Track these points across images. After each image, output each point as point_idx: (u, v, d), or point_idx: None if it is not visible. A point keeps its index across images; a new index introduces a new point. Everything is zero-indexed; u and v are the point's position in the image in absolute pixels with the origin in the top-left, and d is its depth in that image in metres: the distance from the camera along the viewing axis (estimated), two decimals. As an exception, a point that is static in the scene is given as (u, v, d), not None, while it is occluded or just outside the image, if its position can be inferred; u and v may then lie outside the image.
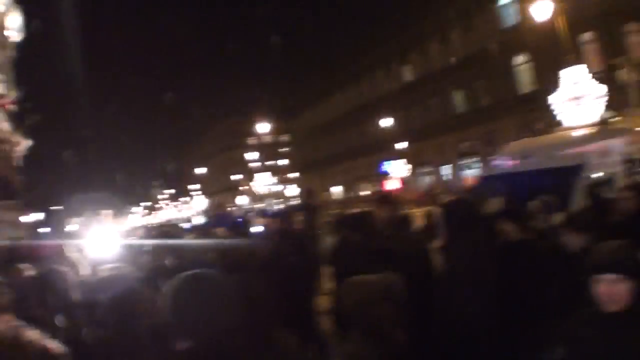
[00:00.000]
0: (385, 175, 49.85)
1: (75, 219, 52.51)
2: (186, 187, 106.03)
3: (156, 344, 2.68)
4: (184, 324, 2.12)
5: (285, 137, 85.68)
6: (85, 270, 5.53)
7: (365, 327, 2.68)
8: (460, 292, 4.30)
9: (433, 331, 4.27)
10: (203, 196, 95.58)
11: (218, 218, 16.66)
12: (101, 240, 8.95)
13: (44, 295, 3.69)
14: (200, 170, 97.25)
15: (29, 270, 4.85)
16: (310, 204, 11.22)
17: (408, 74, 53.35)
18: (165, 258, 6.44)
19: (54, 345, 2.30)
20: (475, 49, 41.68)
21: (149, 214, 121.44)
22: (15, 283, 3.96)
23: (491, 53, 39.95)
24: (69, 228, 42.78)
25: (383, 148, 49.16)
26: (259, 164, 75.65)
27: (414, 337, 2.93)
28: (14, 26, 34.55)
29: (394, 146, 47.37)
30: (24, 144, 37.80)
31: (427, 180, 50.61)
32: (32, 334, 2.00)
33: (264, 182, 73.98)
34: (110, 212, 55.91)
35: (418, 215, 10.58)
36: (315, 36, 74.57)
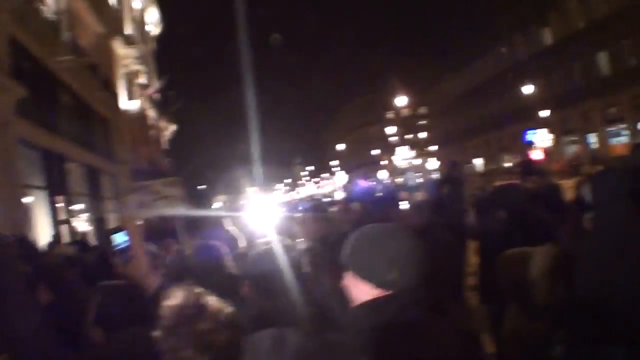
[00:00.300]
0: (529, 145, 46.89)
1: (220, 197, 56.34)
2: (326, 164, 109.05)
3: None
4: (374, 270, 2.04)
5: (423, 110, 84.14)
6: (242, 244, 5.55)
7: (526, 302, 2.52)
8: (609, 272, 4.07)
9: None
10: (343, 172, 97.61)
11: (360, 192, 17.06)
12: (256, 215, 9.52)
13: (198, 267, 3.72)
14: (340, 147, 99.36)
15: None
16: (455, 176, 10.79)
17: (547, 36, 49.52)
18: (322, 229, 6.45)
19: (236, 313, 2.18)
20: (620, 5, 37.44)
21: (291, 190, 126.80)
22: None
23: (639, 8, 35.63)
24: (215, 206, 46.02)
25: (524, 117, 46.35)
26: (397, 138, 75.43)
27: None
28: (153, 20, 38.11)
29: (536, 114, 44.42)
30: (169, 129, 41.76)
31: (571, 149, 46.90)
32: (214, 301, 1.88)
33: (403, 156, 73.52)
34: (255, 189, 59.30)
35: (567, 187, 10.03)
36: (450, 2, 71.18)
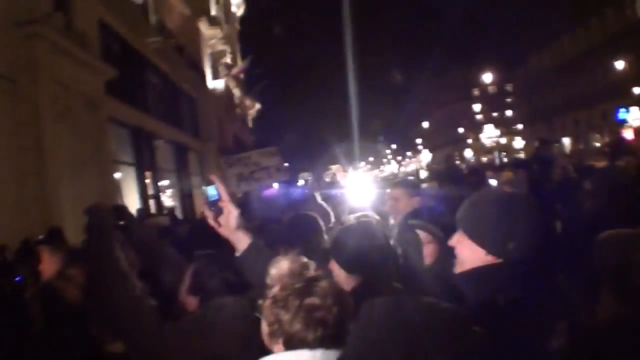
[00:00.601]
0: (621, 124, 43.84)
1: (304, 174, 56.56)
2: (411, 141, 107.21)
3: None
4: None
5: (509, 87, 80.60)
6: (335, 218, 5.50)
7: (627, 287, 2.28)
8: None
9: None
10: (426, 150, 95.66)
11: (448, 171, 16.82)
12: (347, 191, 9.60)
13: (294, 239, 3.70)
14: (425, 124, 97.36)
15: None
16: (545, 154, 10.38)
17: None
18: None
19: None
20: None
21: (374, 168, 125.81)
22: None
23: None
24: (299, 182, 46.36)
25: (616, 94, 43.23)
26: (482, 116, 72.90)
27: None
28: (236, 1, 38.68)
29: (629, 91, 41.36)
30: (255, 107, 42.52)
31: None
32: (318, 271, 1.85)
33: (489, 135, 70.95)
34: (338, 166, 59.33)
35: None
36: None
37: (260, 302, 1.77)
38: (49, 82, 10.21)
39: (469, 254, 1.95)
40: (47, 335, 2.90)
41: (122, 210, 2.89)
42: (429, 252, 2.97)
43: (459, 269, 1.99)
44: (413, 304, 1.35)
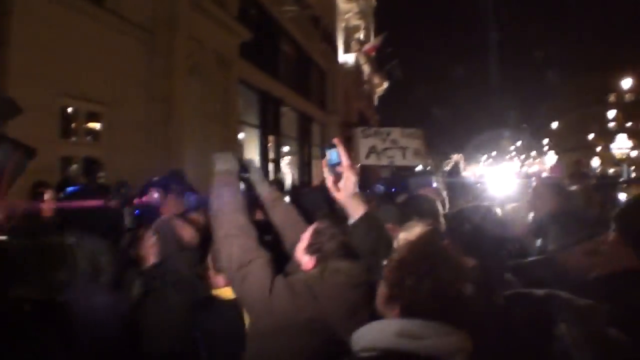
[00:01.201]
0: None
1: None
2: (538, 142, 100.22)
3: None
4: None
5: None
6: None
7: None
8: None
9: None
10: (552, 152, 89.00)
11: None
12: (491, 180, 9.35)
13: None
14: (554, 124, 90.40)
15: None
16: None
17: None
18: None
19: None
20: None
21: (494, 164, 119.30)
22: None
23: None
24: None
25: None
26: (615, 123, 66.18)
27: None
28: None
29: None
30: (382, 86, 41.93)
31: None
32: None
33: (620, 145, 64.38)
34: (460, 155, 57.36)
35: None
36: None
37: (385, 263, 1.69)
38: (186, 38, 10.49)
39: (619, 256, 1.95)
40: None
41: (249, 164, 2.84)
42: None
43: (598, 269, 2.00)
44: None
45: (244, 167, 2.75)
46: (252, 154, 15.62)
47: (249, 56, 14.11)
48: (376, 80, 39.72)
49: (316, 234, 2.39)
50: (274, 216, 2.87)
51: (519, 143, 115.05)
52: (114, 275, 2.78)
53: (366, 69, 35.47)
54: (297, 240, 2.45)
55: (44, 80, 7.09)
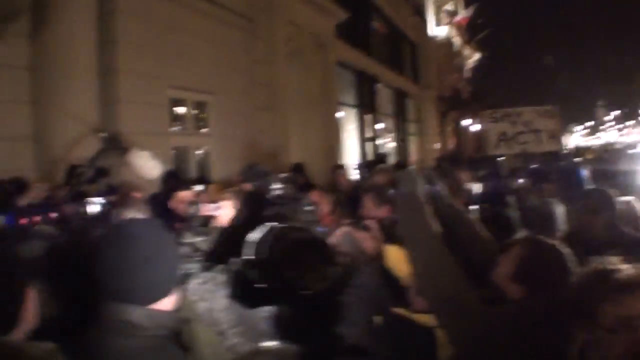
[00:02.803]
0: None
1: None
2: (635, 110, 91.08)
3: None
4: None
5: None
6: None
7: None
8: None
9: None
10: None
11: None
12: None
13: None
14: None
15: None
16: None
17: None
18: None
19: None
20: None
21: (590, 134, 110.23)
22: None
23: None
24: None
25: None
26: None
27: None
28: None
29: None
30: (474, 57, 39.76)
31: None
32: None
33: None
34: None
35: None
36: None
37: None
38: (284, 23, 10.12)
39: None
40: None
41: (430, 176, 2.53)
42: None
43: None
44: None
45: (429, 180, 2.41)
46: (350, 133, 15.14)
47: (343, 36, 13.54)
48: (467, 51, 37.78)
49: (525, 260, 2.03)
50: (458, 232, 2.47)
51: (617, 112, 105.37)
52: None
53: (457, 40, 33.74)
54: (482, 259, 2.18)
55: (152, 74, 6.98)
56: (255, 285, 1.52)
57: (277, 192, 2.95)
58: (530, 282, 1.98)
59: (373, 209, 3.50)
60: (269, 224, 1.65)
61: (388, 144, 19.16)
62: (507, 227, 3.61)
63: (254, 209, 2.85)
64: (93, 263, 1.48)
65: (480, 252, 2.38)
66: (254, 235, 1.62)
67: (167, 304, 1.53)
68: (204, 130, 8.68)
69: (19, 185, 4.30)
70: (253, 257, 1.56)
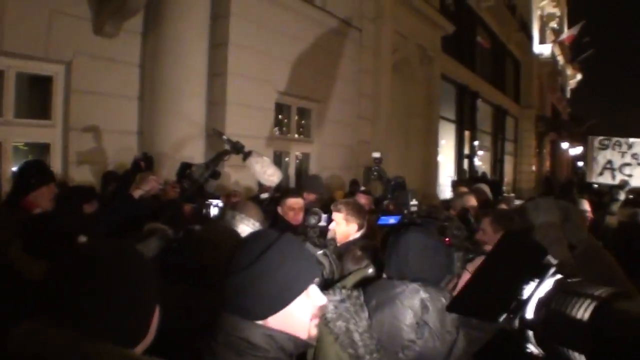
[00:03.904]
0: None
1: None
2: None
3: None
4: None
5: None
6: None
7: None
8: None
9: None
10: None
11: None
12: None
13: None
14: None
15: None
16: None
17: None
18: None
19: None
20: None
21: None
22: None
23: None
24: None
25: None
26: None
27: None
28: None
29: None
30: (576, 77, 37.20)
31: None
32: None
33: None
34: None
35: None
36: None
37: None
38: (391, 33, 9.56)
39: None
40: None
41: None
42: None
43: None
44: None
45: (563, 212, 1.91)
46: (449, 149, 14.28)
47: (449, 49, 12.78)
48: (569, 71, 35.43)
49: None
50: (590, 272, 1.83)
51: None
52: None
53: (560, 59, 31.69)
54: None
55: (260, 78, 6.70)
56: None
57: (413, 209, 2.42)
58: None
59: (490, 234, 3.15)
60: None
61: (484, 162, 18.01)
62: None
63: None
64: (215, 272, 1.39)
65: None
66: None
67: (292, 317, 1.37)
68: (305, 136, 8.29)
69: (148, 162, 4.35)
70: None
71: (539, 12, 24.65)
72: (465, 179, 12.61)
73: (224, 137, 3.17)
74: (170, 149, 5.34)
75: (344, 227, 3.11)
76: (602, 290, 0.84)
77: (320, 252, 2.53)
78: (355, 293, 1.79)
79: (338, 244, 2.99)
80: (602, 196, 7.42)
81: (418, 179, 9.69)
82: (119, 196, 3.33)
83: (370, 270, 2.20)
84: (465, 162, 15.17)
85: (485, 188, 5.71)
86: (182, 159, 3.89)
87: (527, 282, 0.92)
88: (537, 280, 0.91)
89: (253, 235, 1.53)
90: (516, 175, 21.88)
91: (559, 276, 0.91)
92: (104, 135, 5.36)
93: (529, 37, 22.29)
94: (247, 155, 2.97)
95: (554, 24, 28.24)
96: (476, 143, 16.29)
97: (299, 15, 7.43)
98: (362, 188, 5.51)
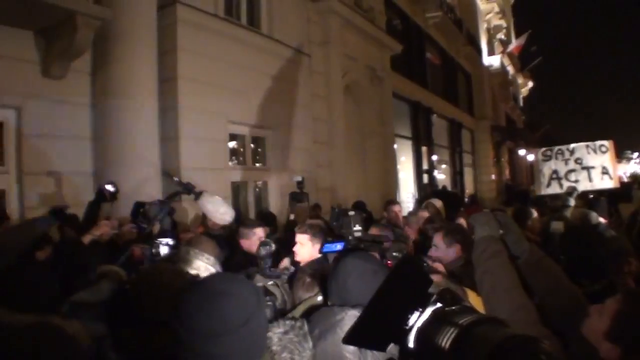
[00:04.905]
0: None
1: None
2: None
3: None
4: None
5: None
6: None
7: None
8: None
9: None
10: None
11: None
12: None
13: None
14: None
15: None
16: None
17: None
18: None
19: None
20: None
21: None
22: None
23: None
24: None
25: None
26: None
27: None
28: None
29: None
30: (527, 85, 38.80)
31: None
32: None
33: None
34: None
35: None
36: None
37: None
38: (340, 56, 9.95)
39: None
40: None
41: (503, 220, 2.10)
42: None
43: None
44: None
45: (502, 225, 2.03)
46: (407, 166, 14.71)
47: (399, 68, 13.28)
48: (520, 80, 36.92)
49: (621, 316, 1.66)
50: (535, 281, 2.04)
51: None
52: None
53: (511, 69, 33.03)
54: (560, 309, 1.90)
55: (212, 110, 6.90)
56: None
57: (358, 234, 2.61)
58: (627, 342, 1.63)
59: (443, 249, 3.24)
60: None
61: (443, 175, 18.57)
62: (597, 271, 3.15)
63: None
64: (178, 319, 1.36)
65: (563, 302, 2.01)
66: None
67: None
68: (261, 165, 8.49)
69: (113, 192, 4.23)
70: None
71: (485, 25, 25.76)
72: (427, 193, 13.00)
73: (175, 179, 3.32)
74: (126, 189, 5.40)
75: (309, 248, 3.27)
76: (468, 317, 0.94)
77: (271, 282, 2.66)
78: (298, 323, 1.82)
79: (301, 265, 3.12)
80: (551, 201, 7.84)
81: (379, 199, 9.97)
82: (67, 243, 3.40)
83: (320, 298, 2.27)
84: (426, 177, 15.63)
85: (437, 202, 6.03)
86: (139, 197, 3.98)
87: (412, 312, 1.01)
88: (420, 310, 1.01)
89: (219, 282, 1.53)
90: (477, 185, 22.55)
91: (438, 305, 1.00)
92: (59, 178, 5.43)
93: (478, 50, 23.25)
94: (198, 195, 3.09)
95: (501, 36, 29.46)
96: (435, 158, 16.81)
97: (247, 45, 7.69)
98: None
